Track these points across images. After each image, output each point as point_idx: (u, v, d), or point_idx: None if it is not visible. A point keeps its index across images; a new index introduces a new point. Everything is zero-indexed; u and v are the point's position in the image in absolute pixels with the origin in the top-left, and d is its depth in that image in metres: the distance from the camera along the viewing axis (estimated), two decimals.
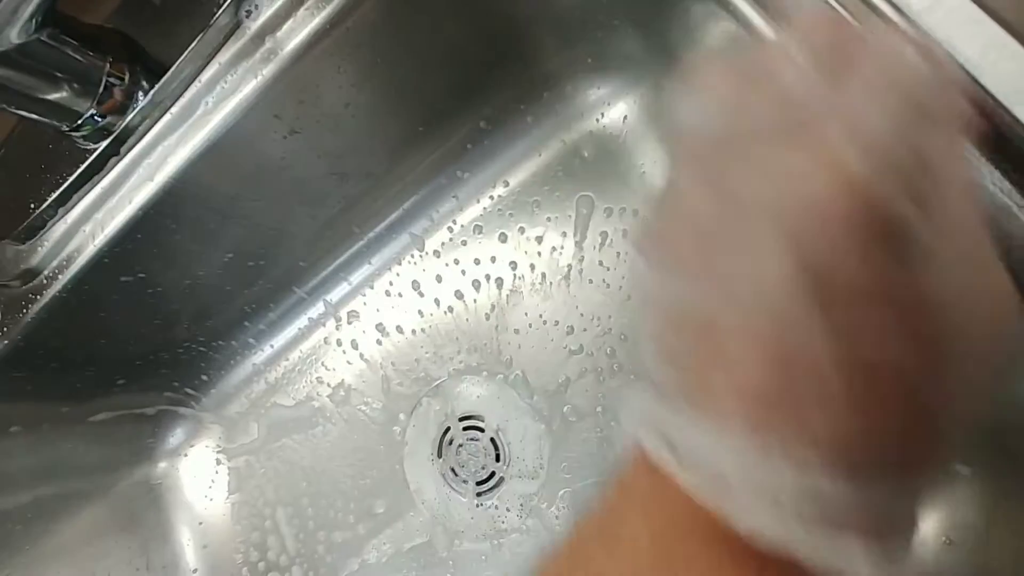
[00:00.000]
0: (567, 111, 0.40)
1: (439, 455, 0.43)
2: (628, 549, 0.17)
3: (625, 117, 0.40)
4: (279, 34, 0.31)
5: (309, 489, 0.46)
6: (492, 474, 0.41)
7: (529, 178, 0.42)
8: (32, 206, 0.35)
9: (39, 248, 0.37)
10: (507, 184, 0.43)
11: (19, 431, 0.42)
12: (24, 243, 0.37)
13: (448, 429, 0.43)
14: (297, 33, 0.31)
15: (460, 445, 0.42)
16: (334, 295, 0.47)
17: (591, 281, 0.40)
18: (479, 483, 0.41)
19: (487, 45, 0.38)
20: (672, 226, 0.17)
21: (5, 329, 0.38)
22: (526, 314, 0.42)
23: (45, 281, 0.37)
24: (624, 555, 0.17)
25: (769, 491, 0.14)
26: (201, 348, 0.48)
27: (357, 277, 0.46)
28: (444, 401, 0.43)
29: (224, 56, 0.32)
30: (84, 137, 0.32)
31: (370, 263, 0.46)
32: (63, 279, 0.37)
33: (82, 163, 0.33)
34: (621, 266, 0.39)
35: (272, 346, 0.49)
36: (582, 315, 0.40)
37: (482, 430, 0.42)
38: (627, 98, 0.39)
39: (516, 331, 0.42)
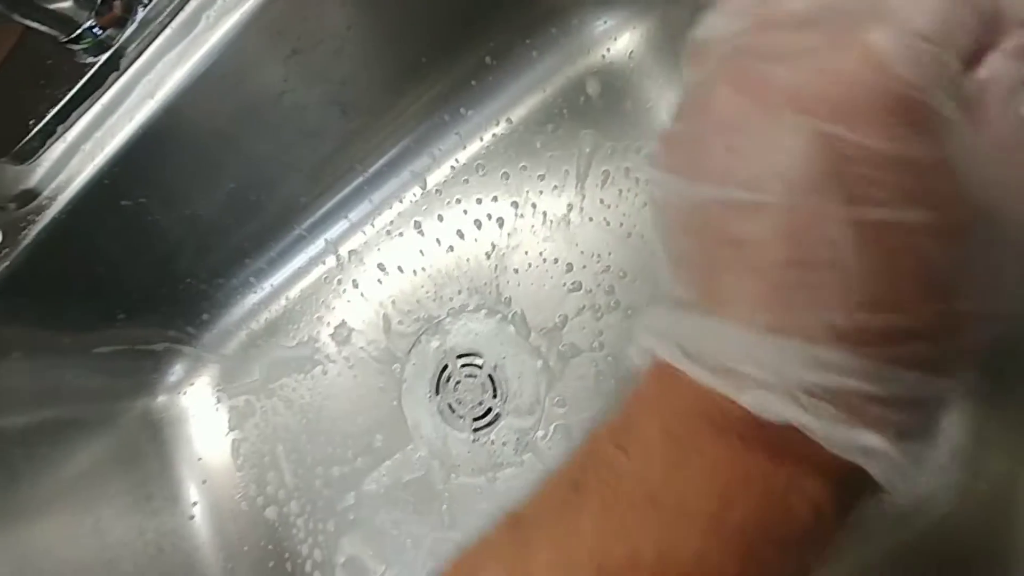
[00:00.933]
0: (573, 46, 0.40)
1: (436, 392, 0.43)
2: (640, 447, 0.17)
3: (631, 52, 0.39)
4: None
5: (308, 426, 0.46)
6: (489, 410, 0.41)
7: (532, 115, 0.42)
8: (31, 123, 0.35)
9: (38, 168, 0.37)
10: (510, 121, 0.42)
11: (20, 356, 0.42)
12: (23, 163, 0.37)
13: (446, 367, 0.43)
14: None
15: (458, 382, 0.43)
16: (334, 233, 0.46)
17: (591, 219, 0.40)
18: (476, 419, 0.42)
19: None
20: (694, 128, 0.17)
21: (5, 250, 0.39)
22: (526, 253, 0.41)
23: (45, 202, 0.37)
24: (637, 452, 0.17)
25: (787, 380, 0.14)
26: (201, 286, 0.48)
27: (357, 215, 0.46)
28: (443, 339, 0.43)
29: None
30: (83, 50, 0.32)
31: (370, 201, 0.45)
32: (62, 200, 0.37)
33: (81, 78, 0.33)
34: (623, 204, 0.39)
35: (272, 285, 0.49)
36: (582, 253, 0.40)
37: (480, 367, 0.42)
38: (633, 32, 0.39)
39: (515, 271, 0.42)
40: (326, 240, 0.47)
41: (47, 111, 0.34)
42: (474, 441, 0.41)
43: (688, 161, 0.17)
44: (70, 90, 0.33)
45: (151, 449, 0.48)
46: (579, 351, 0.39)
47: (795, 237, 0.14)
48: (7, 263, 0.39)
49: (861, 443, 0.14)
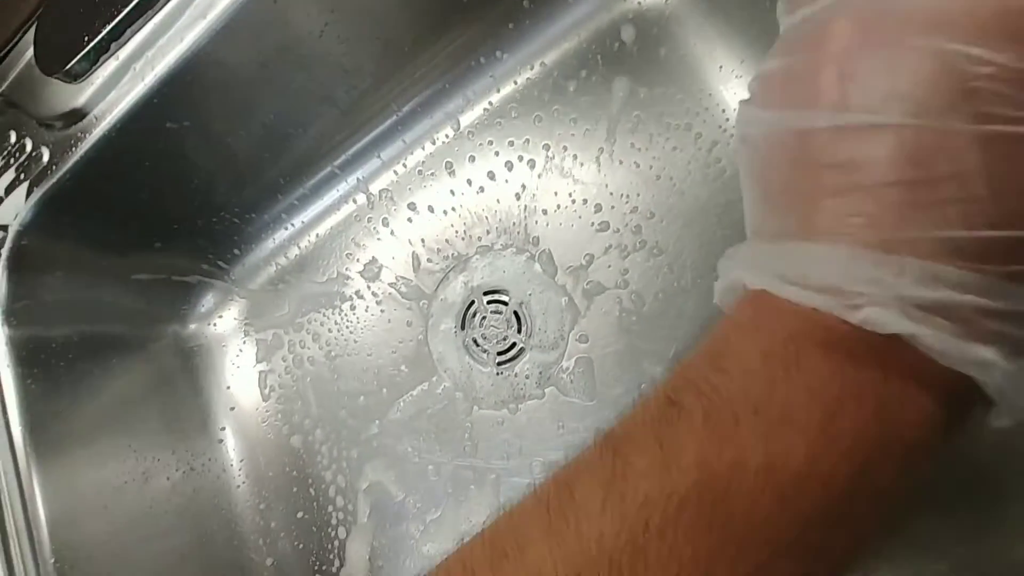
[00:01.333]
0: None
1: (462, 327, 0.44)
2: (740, 367, 0.17)
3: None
4: None
5: (334, 359, 0.48)
6: (513, 345, 0.43)
7: (567, 60, 0.43)
8: (85, 39, 0.35)
9: (88, 87, 0.38)
10: (544, 65, 0.43)
11: (62, 275, 0.43)
12: (74, 81, 0.38)
13: (472, 303, 0.44)
14: None
15: (483, 318, 0.44)
16: (366, 171, 0.48)
17: (621, 162, 0.41)
18: (500, 353, 0.43)
19: None
20: (803, 61, 0.17)
21: (53, 168, 0.40)
22: (555, 194, 0.43)
23: (93, 121, 0.38)
24: (736, 371, 0.17)
25: (902, 296, 0.14)
26: (234, 220, 0.49)
27: (390, 154, 0.47)
28: (470, 276, 0.44)
29: None
30: None
31: (403, 141, 0.46)
32: (111, 120, 0.38)
33: None
34: (653, 148, 0.40)
35: (302, 222, 0.50)
36: (611, 194, 0.41)
37: (506, 304, 0.43)
38: None
39: (544, 212, 0.43)
40: (358, 178, 0.48)
41: (101, 28, 0.35)
42: (498, 374, 0.43)
43: (795, 93, 0.17)
44: (125, 7, 0.34)
45: (182, 375, 0.50)
46: (604, 288, 0.40)
47: (916, 157, 0.14)
48: (54, 181, 0.40)
49: (976, 356, 0.14)
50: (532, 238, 0.43)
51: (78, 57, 0.36)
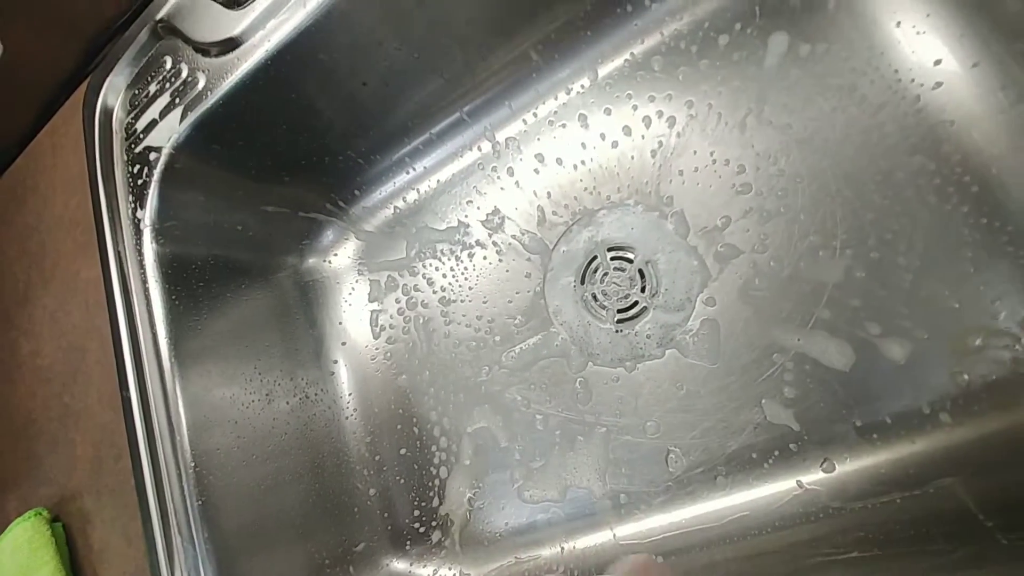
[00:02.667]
0: None
1: (582, 282, 0.44)
2: None
3: None
4: None
5: (448, 305, 0.49)
6: (635, 303, 0.42)
7: (720, 11, 0.41)
8: None
9: (249, 14, 0.39)
10: (695, 16, 0.41)
11: (203, 198, 0.45)
12: (236, 7, 0.39)
13: (595, 258, 0.44)
14: None
15: (605, 274, 0.43)
16: (494, 119, 0.47)
17: (771, 123, 0.39)
18: (620, 311, 0.43)
19: None
20: None
21: (208, 94, 0.41)
22: (695, 153, 0.41)
23: (251, 48, 0.39)
24: None
25: None
26: (359, 160, 0.50)
27: (521, 102, 0.46)
28: (595, 231, 0.44)
29: None
30: None
31: (536, 90, 0.46)
32: (269, 46, 0.39)
33: None
34: (809, 109, 0.38)
35: (424, 167, 0.50)
36: (757, 155, 0.39)
37: (631, 261, 0.43)
38: None
39: (680, 171, 0.42)
40: (485, 126, 0.48)
41: None
42: (616, 332, 0.42)
43: None
44: None
45: (299, 307, 0.52)
46: (739, 252, 0.39)
47: None
48: (207, 106, 0.42)
49: None
50: (666, 197, 0.42)
51: None
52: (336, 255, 0.54)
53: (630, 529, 0.40)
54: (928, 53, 0.34)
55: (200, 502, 0.39)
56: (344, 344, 0.52)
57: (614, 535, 0.40)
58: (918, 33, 0.34)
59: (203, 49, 0.42)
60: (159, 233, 0.43)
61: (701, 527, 0.38)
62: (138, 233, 0.43)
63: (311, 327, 0.52)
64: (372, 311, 0.52)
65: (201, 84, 0.42)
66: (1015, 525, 0.28)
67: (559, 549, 0.42)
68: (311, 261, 0.53)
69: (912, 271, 0.34)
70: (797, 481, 0.35)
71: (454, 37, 0.43)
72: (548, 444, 0.44)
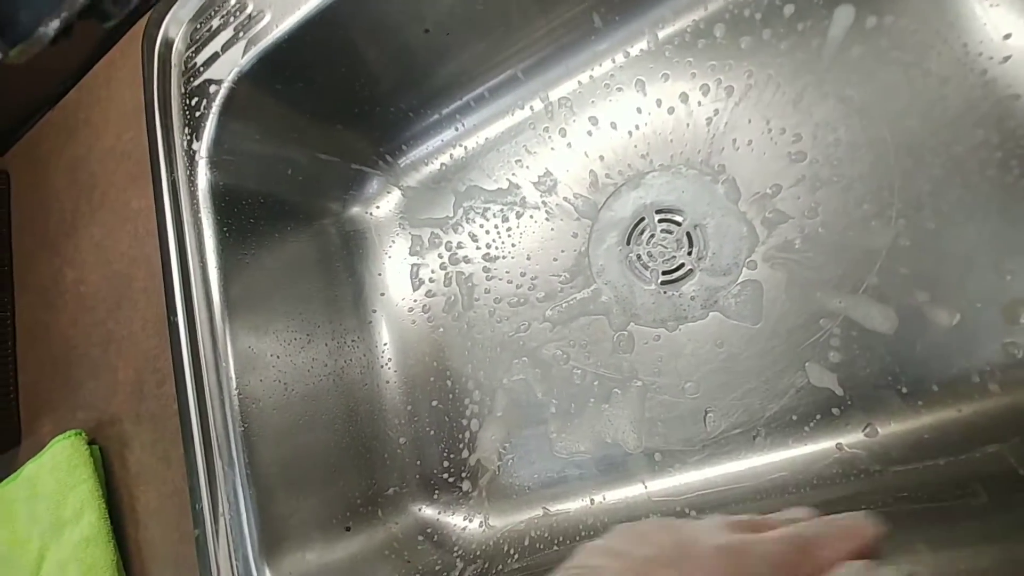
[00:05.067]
0: None
1: (627, 243, 0.45)
2: None
3: None
4: None
5: (492, 261, 0.49)
6: (681, 265, 0.43)
7: None
8: None
9: None
10: None
11: (259, 137, 0.46)
12: None
13: (643, 219, 0.44)
14: None
15: (652, 236, 0.44)
16: (548, 78, 0.48)
17: (831, 94, 0.39)
18: (665, 272, 0.43)
19: None
20: None
21: (273, 29, 0.42)
22: (749, 122, 0.41)
23: None
24: None
25: None
26: (409, 113, 0.51)
27: (577, 62, 0.47)
28: (644, 193, 0.44)
29: None
30: None
31: (594, 50, 0.46)
32: None
33: None
34: (872, 83, 0.38)
35: (474, 123, 0.51)
36: (816, 124, 0.39)
37: (679, 224, 0.43)
38: None
39: (734, 140, 0.42)
40: (540, 84, 0.48)
41: None
42: (662, 292, 0.43)
43: None
44: None
45: (340, 255, 0.52)
46: (787, 218, 0.39)
47: None
48: (271, 41, 0.42)
49: None
50: (718, 165, 0.42)
51: None
52: (378, 207, 0.54)
53: (663, 484, 0.40)
54: (999, 26, 0.34)
55: (243, 428, 0.39)
56: (382, 295, 0.52)
57: (646, 490, 0.41)
58: (991, 6, 0.34)
59: None
60: (214, 165, 0.44)
61: (737, 485, 0.38)
62: (192, 164, 0.44)
63: (350, 276, 0.52)
64: (412, 264, 0.52)
65: (267, 19, 0.42)
66: None
67: (588, 502, 0.43)
68: (354, 210, 0.54)
69: (967, 242, 0.34)
70: (837, 444, 0.36)
71: None
72: (584, 399, 0.44)
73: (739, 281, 0.40)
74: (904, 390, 0.35)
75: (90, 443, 0.45)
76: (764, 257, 0.40)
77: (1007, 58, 0.34)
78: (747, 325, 0.40)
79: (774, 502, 0.36)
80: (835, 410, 0.36)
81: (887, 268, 0.36)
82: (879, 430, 0.35)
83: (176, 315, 0.42)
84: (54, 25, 0.50)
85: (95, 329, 0.48)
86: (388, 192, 0.54)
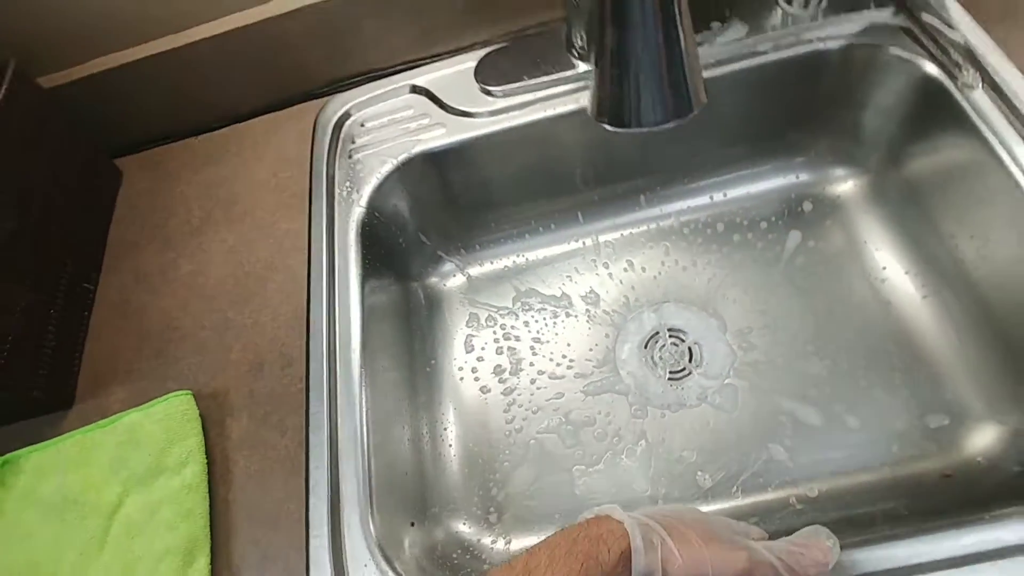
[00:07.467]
0: (800, 178, 0.66)
1: (645, 347, 0.62)
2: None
3: (839, 196, 0.65)
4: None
5: (540, 344, 0.63)
6: (683, 368, 0.60)
7: (754, 209, 0.66)
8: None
9: (491, 103, 0.59)
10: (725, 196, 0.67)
11: (395, 205, 0.60)
12: (487, 95, 0.59)
13: (657, 333, 0.62)
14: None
15: (663, 345, 0.62)
16: (600, 226, 0.68)
17: (783, 282, 0.63)
18: (672, 371, 0.60)
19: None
20: None
21: (448, 137, 0.59)
22: (734, 286, 0.63)
23: (479, 123, 0.58)
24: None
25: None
26: (491, 223, 0.68)
27: (622, 221, 0.68)
28: (661, 316, 0.63)
29: None
30: None
31: (636, 217, 0.68)
32: (494, 128, 0.58)
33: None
34: (810, 278, 0.62)
35: (539, 244, 0.69)
36: (776, 297, 0.62)
37: (683, 340, 0.61)
38: (847, 184, 0.65)
39: (725, 294, 0.63)
40: (593, 228, 0.68)
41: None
42: (668, 385, 0.59)
43: None
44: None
45: (417, 313, 0.64)
46: (756, 347, 0.59)
47: None
48: (440, 146, 0.59)
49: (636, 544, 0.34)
50: (712, 309, 0.63)
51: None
52: (447, 284, 0.68)
53: None
54: (880, 261, 0.60)
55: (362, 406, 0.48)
56: (440, 351, 0.64)
57: None
58: (875, 249, 0.61)
59: (448, 108, 0.60)
60: (367, 211, 0.57)
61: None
62: (349, 208, 0.57)
63: (421, 330, 0.64)
64: (466, 334, 0.65)
65: (443, 129, 0.59)
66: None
67: None
68: (431, 280, 0.67)
69: (866, 379, 0.56)
70: (791, 497, 0.52)
71: (599, 170, 0.65)
72: (604, 453, 0.57)
73: (724, 383, 0.59)
74: (833, 467, 0.53)
75: None
76: (740, 370, 0.59)
77: (884, 280, 0.59)
78: (728, 413, 0.57)
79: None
80: (788, 475, 0.53)
81: (818, 386, 0.57)
82: (817, 489, 0.52)
83: (320, 308, 0.51)
84: None
85: (210, 316, 0.54)
86: (459, 279, 0.68)
